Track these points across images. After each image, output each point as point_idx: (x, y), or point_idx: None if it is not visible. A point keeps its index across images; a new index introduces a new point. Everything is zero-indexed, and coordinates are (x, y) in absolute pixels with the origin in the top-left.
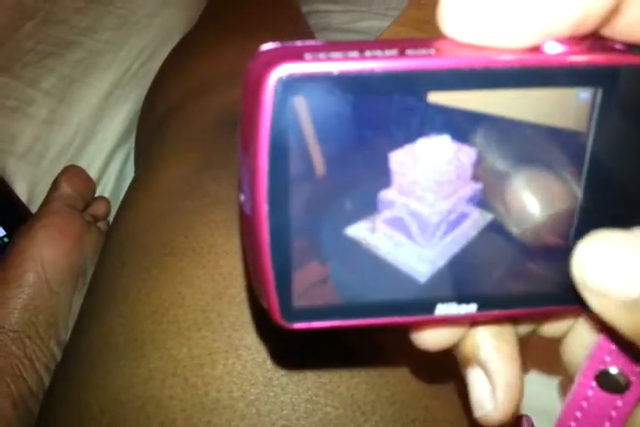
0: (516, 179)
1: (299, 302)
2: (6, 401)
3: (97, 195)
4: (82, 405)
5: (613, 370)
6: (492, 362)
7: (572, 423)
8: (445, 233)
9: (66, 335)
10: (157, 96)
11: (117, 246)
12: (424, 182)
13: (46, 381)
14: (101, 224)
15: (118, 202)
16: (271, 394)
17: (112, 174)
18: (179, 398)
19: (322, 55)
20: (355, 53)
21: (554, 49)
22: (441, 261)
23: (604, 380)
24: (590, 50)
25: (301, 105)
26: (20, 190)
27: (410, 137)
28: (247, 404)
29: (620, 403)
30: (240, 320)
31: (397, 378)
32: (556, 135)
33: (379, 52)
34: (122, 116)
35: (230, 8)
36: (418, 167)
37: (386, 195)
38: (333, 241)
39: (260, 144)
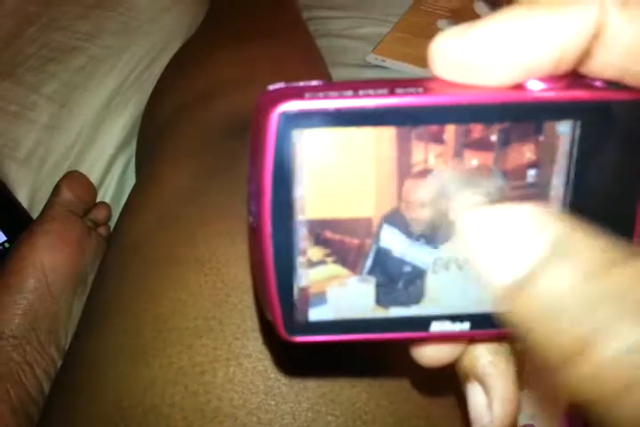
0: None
1: (300, 316)
2: (5, 407)
3: (98, 200)
4: (82, 412)
5: None
6: (489, 377)
7: None
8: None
9: (66, 341)
10: (159, 102)
11: (119, 253)
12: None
13: (46, 387)
14: (102, 230)
15: (119, 207)
16: (272, 403)
17: (113, 180)
18: (179, 407)
19: (320, 94)
20: (349, 92)
21: (535, 86)
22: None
23: None
24: (569, 87)
25: (303, 138)
26: (21, 196)
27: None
28: (248, 412)
29: None
30: (241, 328)
31: (398, 387)
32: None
33: (371, 91)
34: (123, 121)
35: (232, 15)
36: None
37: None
38: None
39: (265, 173)
